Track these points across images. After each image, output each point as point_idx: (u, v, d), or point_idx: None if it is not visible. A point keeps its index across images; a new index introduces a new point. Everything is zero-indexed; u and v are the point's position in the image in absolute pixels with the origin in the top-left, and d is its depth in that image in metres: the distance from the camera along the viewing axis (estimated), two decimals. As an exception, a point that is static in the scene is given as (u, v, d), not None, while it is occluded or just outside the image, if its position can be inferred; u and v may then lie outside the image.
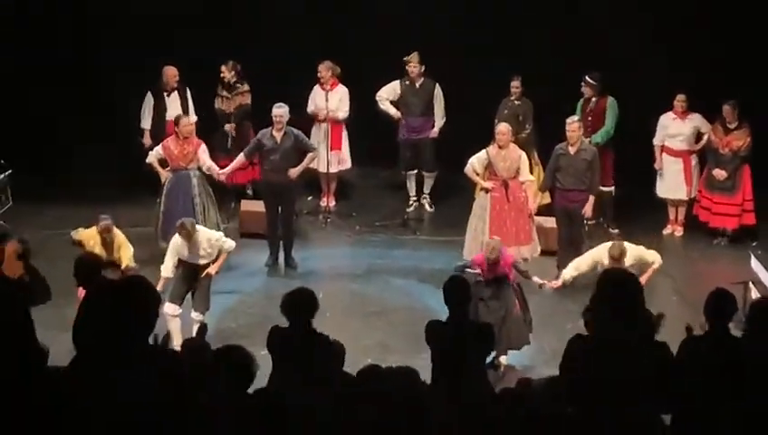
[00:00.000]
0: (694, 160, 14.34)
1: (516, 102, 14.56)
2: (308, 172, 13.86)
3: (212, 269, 11.17)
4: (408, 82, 14.80)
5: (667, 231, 14.54)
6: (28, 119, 15.56)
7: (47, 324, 7.88)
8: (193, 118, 14.72)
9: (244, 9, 15.96)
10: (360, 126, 15.02)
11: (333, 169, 14.86)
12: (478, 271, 10.82)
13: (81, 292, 9.12)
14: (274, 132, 13.01)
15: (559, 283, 11.63)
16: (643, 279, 10.05)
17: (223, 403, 5.82)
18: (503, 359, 10.87)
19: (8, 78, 15.53)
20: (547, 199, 13.56)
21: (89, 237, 11.50)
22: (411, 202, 15.28)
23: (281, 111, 12.97)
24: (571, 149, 12.74)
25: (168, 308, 10.91)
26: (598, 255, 11.48)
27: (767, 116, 14.08)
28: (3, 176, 14.33)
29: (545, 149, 13.46)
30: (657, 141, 14.41)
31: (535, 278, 11.38)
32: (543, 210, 13.50)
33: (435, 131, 14.88)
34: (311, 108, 14.79)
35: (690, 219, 14.47)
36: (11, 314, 5.62)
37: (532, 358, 11.04)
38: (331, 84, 14.66)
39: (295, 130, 13.17)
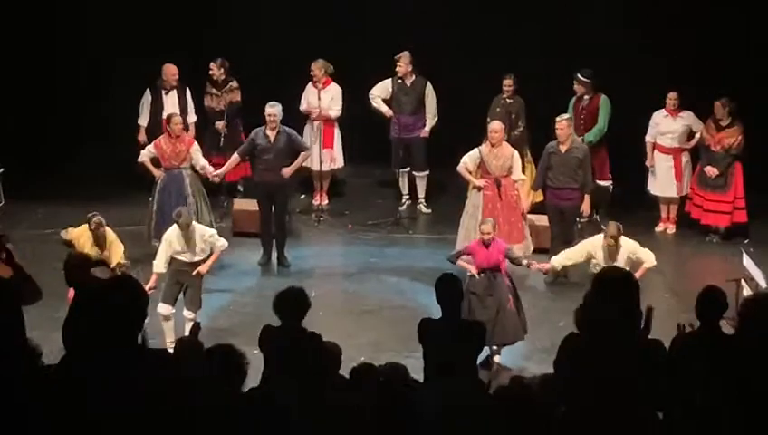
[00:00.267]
0: (685, 158, 14.35)
1: (509, 100, 14.56)
2: (300, 171, 13.88)
3: (203, 268, 11.15)
4: (399, 81, 14.80)
5: (659, 228, 14.55)
6: (20, 117, 15.53)
7: (39, 325, 7.86)
8: (192, 118, 14.75)
9: (236, 7, 15.94)
10: (353, 124, 15.02)
11: (326, 168, 14.86)
12: (472, 266, 10.82)
13: (72, 292, 9.10)
14: (268, 131, 12.99)
15: (547, 266, 11.63)
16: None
17: (215, 402, 5.82)
18: (496, 358, 10.88)
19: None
20: (540, 197, 13.57)
21: (79, 236, 11.42)
22: (404, 200, 15.27)
23: (274, 110, 12.95)
24: (562, 148, 12.75)
25: (162, 309, 10.94)
26: (591, 245, 11.46)
27: (760, 114, 14.13)
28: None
29: (538, 147, 13.45)
30: (649, 138, 14.43)
31: (524, 261, 11.45)
32: (536, 208, 13.51)
33: (426, 130, 14.87)
34: (303, 106, 14.79)
35: (682, 217, 14.50)
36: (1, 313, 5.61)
37: (526, 356, 11.05)
38: (324, 83, 14.66)
39: (288, 129, 13.16)
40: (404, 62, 14.67)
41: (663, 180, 14.39)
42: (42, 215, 14.36)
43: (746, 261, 11.30)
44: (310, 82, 14.75)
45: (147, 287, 10.63)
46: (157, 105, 14.70)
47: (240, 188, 15.15)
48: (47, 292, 9.80)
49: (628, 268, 10.37)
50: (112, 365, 5.19)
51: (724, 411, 6.29)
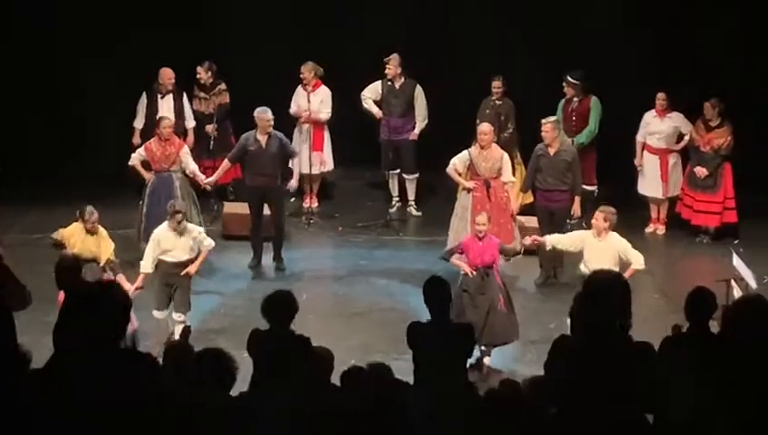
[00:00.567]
0: (672, 160, 14.37)
1: (498, 102, 14.58)
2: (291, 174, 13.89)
3: (192, 268, 11.16)
4: (389, 83, 14.80)
5: (649, 229, 14.58)
6: (8, 121, 15.51)
7: (29, 329, 7.84)
8: (191, 123, 14.73)
9: (223, 9, 15.92)
10: (343, 127, 15.02)
11: (315, 171, 14.85)
12: (465, 265, 10.83)
13: (62, 295, 9.10)
14: (259, 136, 12.94)
15: (542, 239, 11.59)
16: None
17: (204, 405, 5.82)
18: (486, 360, 10.88)
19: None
20: (530, 199, 13.57)
21: (70, 234, 11.29)
22: (394, 202, 15.28)
23: (270, 115, 12.93)
24: (551, 150, 12.77)
25: (157, 314, 11.07)
26: (585, 234, 11.40)
27: (751, 113, 14.16)
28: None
29: (528, 148, 13.46)
30: (639, 138, 14.46)
31: (528, 241, 11.56)
32: (525, 210, 13.52)
33: (415, 133, 14.88)
34: (293, 109, 14.79)
35: (672, 217, 14.52)
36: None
37: (517, 358, 11.04)
38: (314, 85, 14.65)
39: (279, 134, 13.16)
40: (393, 65, 14.68)
41: (650, 180, 14.43)
42: (32, 219, 14.32)
43: (736, 261, 11.31)
44: (299, 85, 14.75)
45: (134, 287, 10.68)
46: (152, 108, 14.67)
47: (231, 189, 15.13)
48: (38, 296, 9.77)
49: (617, 268, 10.47)
50: (95, 369, 5.19)
51: (714, 413, 6.30)
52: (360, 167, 16.10)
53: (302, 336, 7.71)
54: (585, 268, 10.80)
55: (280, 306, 7.80)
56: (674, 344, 6.84)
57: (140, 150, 13.18)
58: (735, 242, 13.81)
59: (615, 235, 11.06)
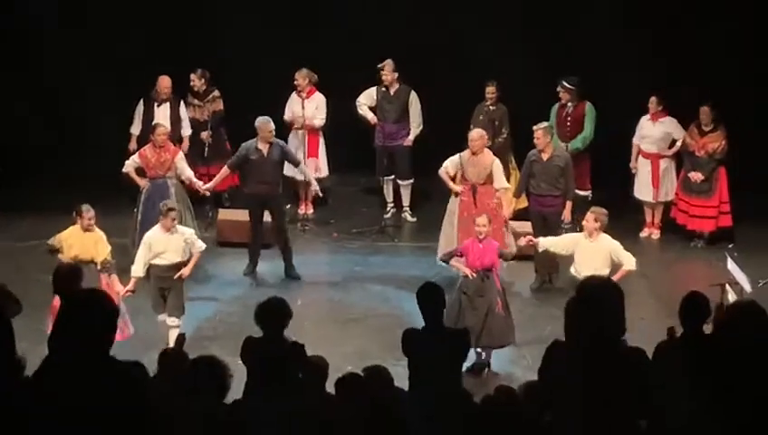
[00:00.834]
0: (663, 164, 14.37)
1: (492, 108, 14.58)
2: (285, 180, 13.86)
3: (186, 271, 11.14)
4: (383, 89, 14.81)
5: (644, 234, 14.59)
6: (8, 120, 15.51)
7: (24, 336, 7.83)
8: (187, 131, 14.72)
9: (218, 14, 15.92)
10: (338, 133, 15.01)
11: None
12: (465, 267, 10.83)
13: (57, 301, 9.09)
14: (260, 145, 12.90)
15: (536, 241, 11.59)
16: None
17: (197, 412, 5.81)
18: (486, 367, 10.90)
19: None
20: (524, 203, 13.56)
21: (67, 237, 11.21)
22: (389, 208, 15.27)
23: (271, 125, 12.91)
24: (544, 156, 12.76)
25: (161, 319, 11.09)
26: (574, 235, 11.41)
27: (744, 119, 14.17)
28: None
29: (522, 154, 13.45)
30: (635, 141, 14.49)
31: (510, 249, 11.63)
32: (519, 215, 13.52)
33: (409, 139, 14.88)
34: (287, 115, 14.78)
35: (667, 222, 14.53)
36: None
37: (512, 363, 11.05)
38: (308, 92, 14.66)
39: (280, 142, 13.17)
40: (388, 71, 14.68)
41: (643, 184, 14.45)
42: (26, 226, 14.30)
43: (731, 265, 11.32)
44: (294, 92, 14.74)
45: (125, 289, 10.70)
46: (148, 116, 14.65)
47: (226, 196, 15.11)
48: (32, 304, 9.80)
49: (608, 269, 10.50)
50: (81, 376, 5.19)
51: (708, 417, 6.30)
52: (355, 173, 16.10)
53: (296, 343, 7.71)
54: (576, 271, 10.81)
55: (273, 313, 7.80)
56: (668, 348, 6.85)
57: (135, 157, 13.16)
58: (730, 246, 13.82)
59: (606, 236, 11.05)
